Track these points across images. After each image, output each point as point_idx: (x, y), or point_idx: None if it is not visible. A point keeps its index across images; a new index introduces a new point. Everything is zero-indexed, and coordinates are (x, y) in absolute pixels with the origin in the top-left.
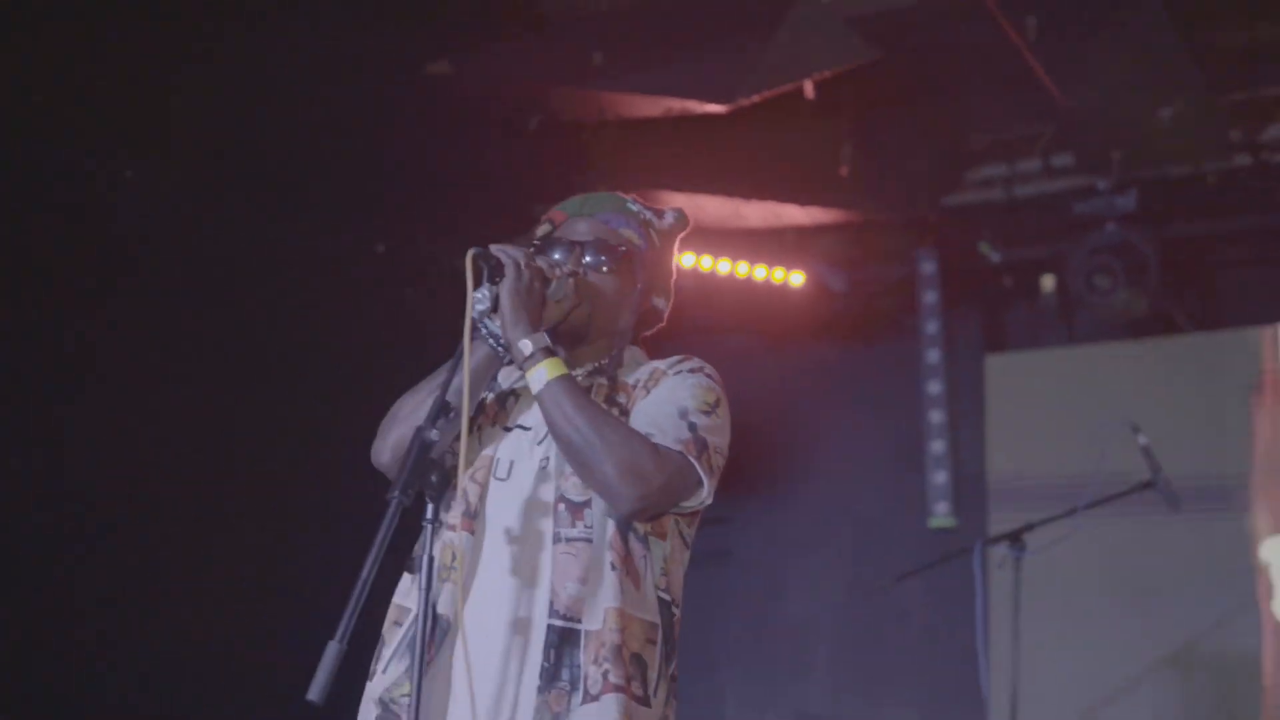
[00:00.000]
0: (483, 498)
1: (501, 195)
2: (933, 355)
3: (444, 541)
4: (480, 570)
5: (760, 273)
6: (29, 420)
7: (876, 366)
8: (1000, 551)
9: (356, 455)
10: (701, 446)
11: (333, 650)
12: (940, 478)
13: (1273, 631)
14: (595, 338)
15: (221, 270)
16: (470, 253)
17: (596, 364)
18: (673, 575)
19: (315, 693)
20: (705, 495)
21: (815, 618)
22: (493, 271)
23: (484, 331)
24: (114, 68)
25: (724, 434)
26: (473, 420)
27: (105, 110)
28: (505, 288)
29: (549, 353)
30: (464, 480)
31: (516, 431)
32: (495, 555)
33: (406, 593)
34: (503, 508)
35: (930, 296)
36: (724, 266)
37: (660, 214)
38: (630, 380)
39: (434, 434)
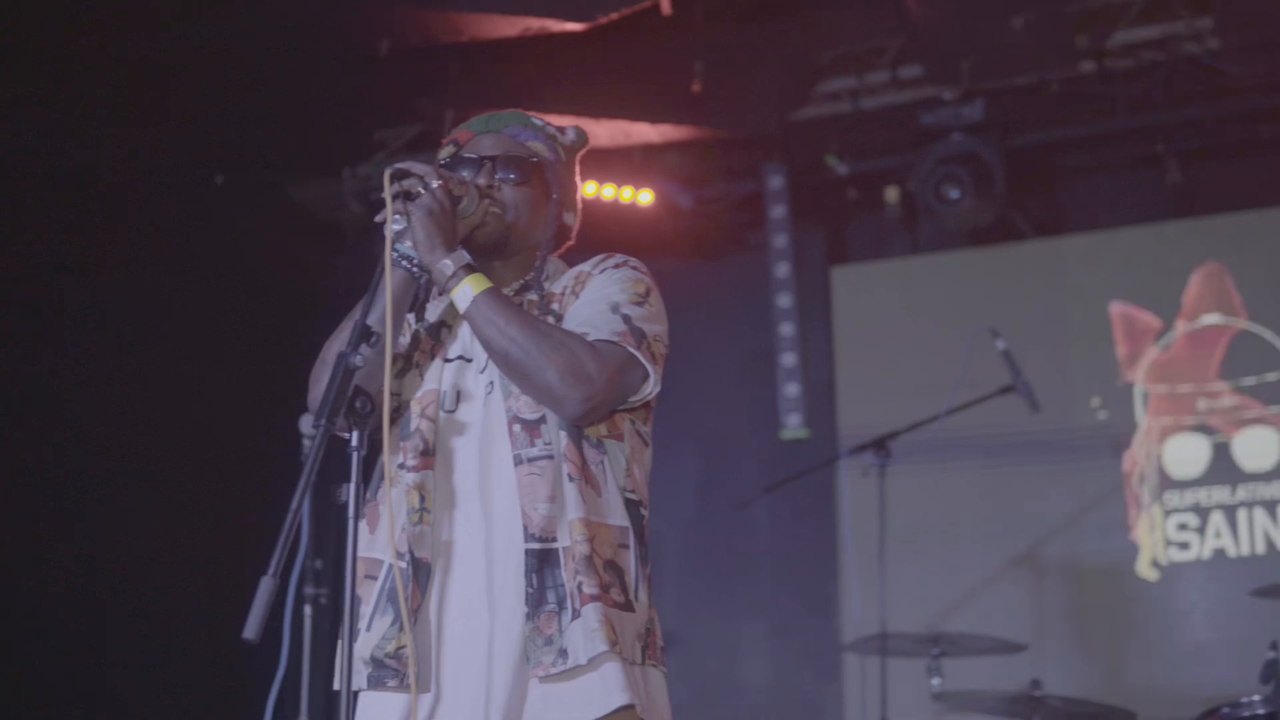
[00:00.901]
0: (436, 433)
1: (348, 122)
2: (782, 269)
3: (407, 483)
4: (449, 505)
5: (609, 192)
6: None
7: (725, 282)
8: (865, 460)
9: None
10: (640, 336)
11: (266, 585)
12: (792, 390)
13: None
14: (514, 251)
15: (63, 199)
16: (387, 171)
17: (522, 280)
18: (636, 475)
19: (251, 630)
20: (653, 385)
21: (664, 534)
22: (405, 193)
23: (396, 254)
24: None
25: (661, 321)
26: (409, 354)
27: None
28: (417, 209)
29: (470, 269)
30: (415, 418)
31: (458, 362)
32: (461, 488)
33: (370, 544)
34: (458, 439)
35: (778, 211)
36: None
37: (562, 130)
38: (557, 289)
39: (358, 359)
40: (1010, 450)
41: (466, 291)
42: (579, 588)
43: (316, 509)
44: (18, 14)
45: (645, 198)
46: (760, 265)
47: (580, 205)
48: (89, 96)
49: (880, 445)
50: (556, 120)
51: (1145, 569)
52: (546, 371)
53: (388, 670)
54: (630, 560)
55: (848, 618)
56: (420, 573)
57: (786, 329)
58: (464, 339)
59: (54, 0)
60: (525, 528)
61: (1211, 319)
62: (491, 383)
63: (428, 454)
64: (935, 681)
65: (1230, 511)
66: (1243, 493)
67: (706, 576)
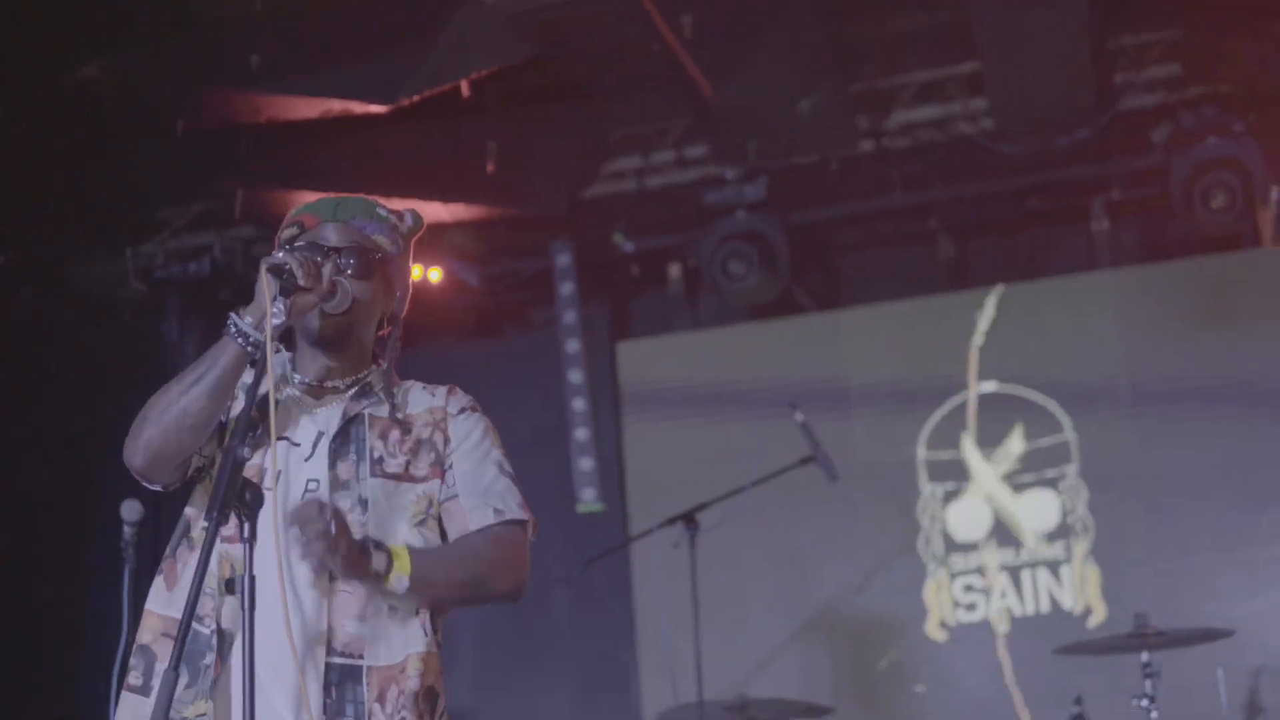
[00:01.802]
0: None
1: (136, 199)
2: (572, 345)
3: (220, 552)
4: (258, 586)
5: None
6: None
7: (514, 358)
8: (676, 532)
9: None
10: (520, 492)
11: (170, 679)
12: (586, 464)
13: None
14: (349, 345)
15: None
16: (265, 264)
17: (357, 378)
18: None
19: (157, 714)
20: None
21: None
22: (284, 285)
23: (234, 330)
24: None
25: None
26: (248, 430)
27: None
28: (321, 548)
29: (389, 556)
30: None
31: (283, 444)
32: (271, 575)
33: (168, 602)
34: (270, 521)
35: (566, 288)
36: None
37: (401, 216)
38: (414, 412)
39: (246, 452)
40: (797, 516)
41: (401, 579)
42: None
43: (135, 594)
44: None
45: (434, 275)
46: (546, 342)
47: (410, 290)
48: None
49: (689, 518)
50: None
51: (934, 630)
52: (491, 593)
53: None
54: (442, 685)
55: (648, 690)
56: (224, 643)
57: (578, 404)
58: (294, 421)
59: None
60: (330, 641)
61: (988, 386)
62: (316, 481)
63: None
64: None
65: (1014, 572)
66: (1025, 554)
67: (506, 651)
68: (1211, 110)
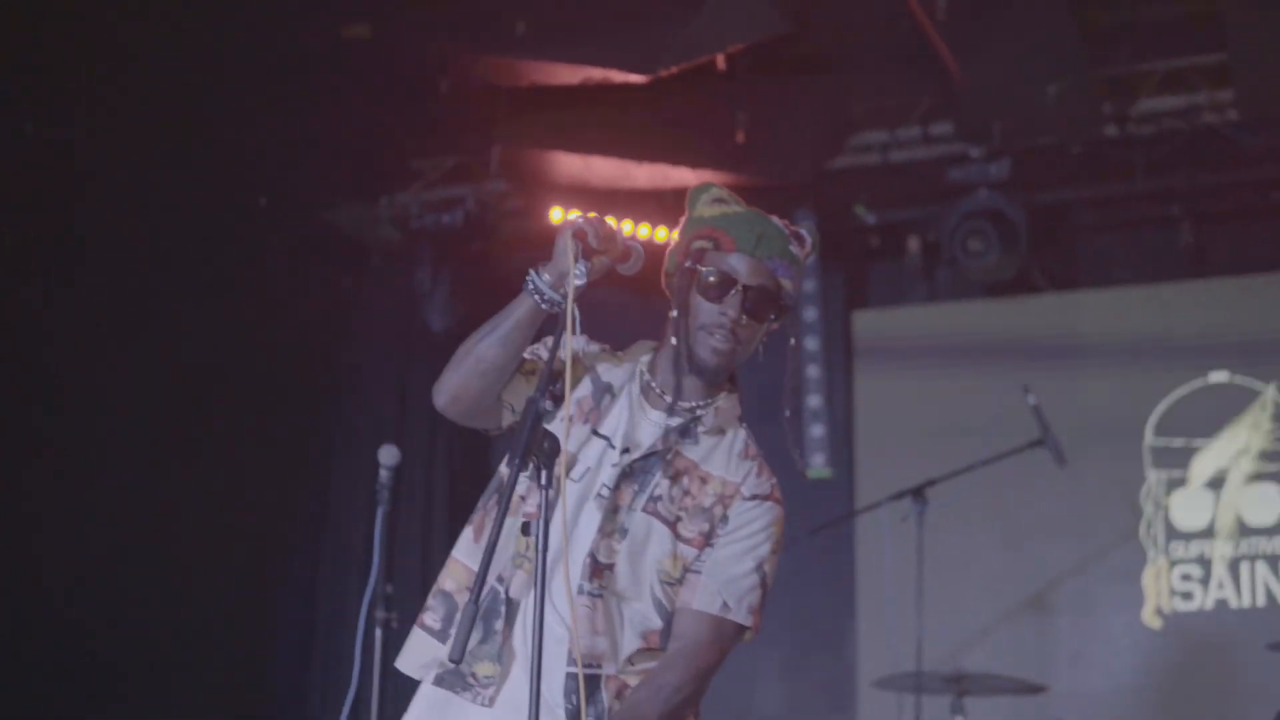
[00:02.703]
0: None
1: (391, 150)
2: (810, 312)
3: (521, 526)
4: (535, 570)
5: (644, 231)
6: None
7: None
8: (904, 505)
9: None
10: (762, 601)
11: (470, 612)
12: (818, 430)
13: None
14: (717, 377)
15: (112, 216)
16: (566, 229)
17: (691, 408)
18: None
19: (456, 653)
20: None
21: None
22: (585, 248)
23: (531, 287)
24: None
25: None
26: (578, 409)
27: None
28: None
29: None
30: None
31: (603, 444)
32: (549, 560)
33: (473, 553)
34: (569, 511)
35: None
36: None
37: (805, 241)
38: (711, 473)
39: (547, 404)
40: (1021, 495)
41: None
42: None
43: (388, 536)
44: (58, 41)
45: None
46: None
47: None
48: (128, 115)
49: (919, 493)
50: (595, 162)
51: (1150, 617)
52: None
53: (464, 683)
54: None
55: (864, 655)
56: (509, 608)
57: (813, 371)
58: (615, 417)
59: (97, 27)
60: (569, 651)
61: (1219, 376)
62: (608, 487)
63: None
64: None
65: (1234, 564)
66: (1245, 546)
67: None
68: None
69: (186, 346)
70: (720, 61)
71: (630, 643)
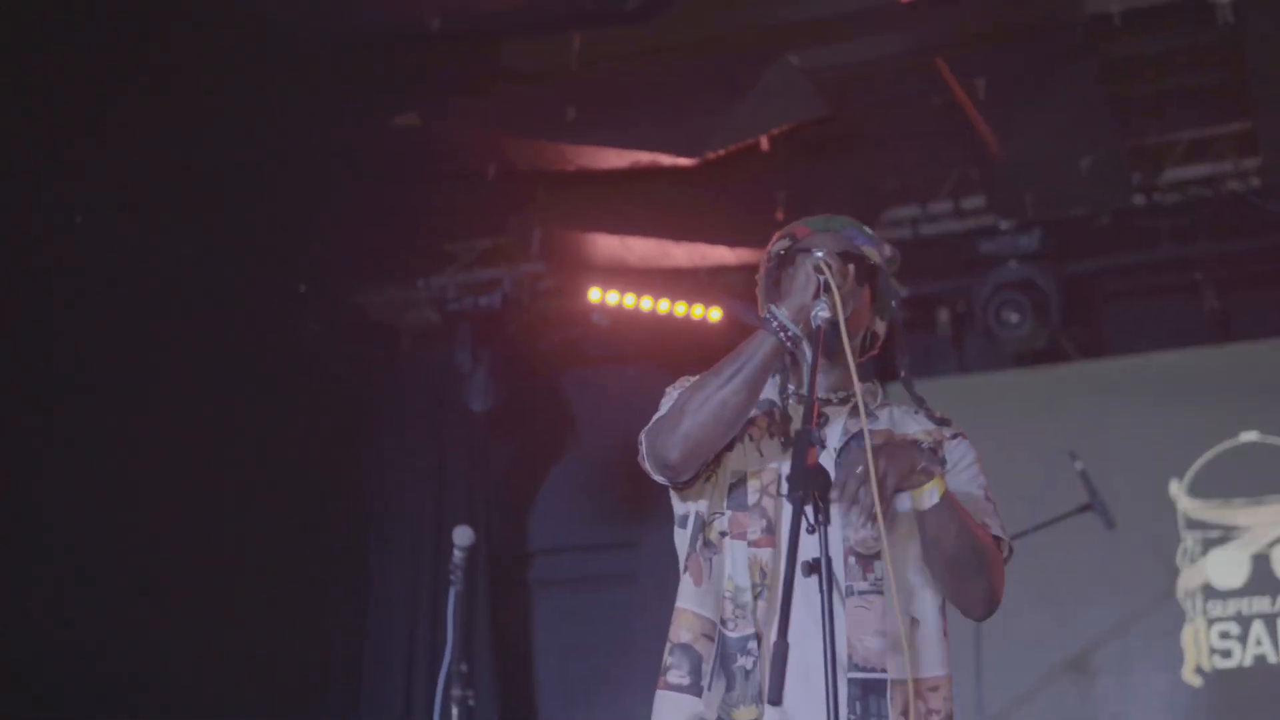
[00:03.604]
0: (778, 514)
1: (427, 233)
2: None
3: (749, 556)
4: (779, 597)
5: (680, 309)
6: None
7: None
8: None
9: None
10: (997, 510)
11: (781, 648)
12: None
13: None
14: (841, 356)
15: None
16: (808, 262)
17: (849, 393)
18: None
19: (774, 695)
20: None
21: None
22: (827, 282)
23: (775, 322)
24: (74, 98)
25: None
26: (745, 428)
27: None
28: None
29: (937, 477)
30: (756, 492)
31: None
32: (801, 593)
33: (699, 599)
34: (790, 530)
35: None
36: (645, 303)
37: (881, 243)
38: (909, 433)
39: (817, 435)
40: (1058, 557)
41: (933, 493)
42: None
43: (463, 615)
44: (107, 127)
45: (715, 315)
46: None
47: (898, 318)
48: (172, 198)
49: None
50: (633, 242)
51: (1190, 675)
52: (978, 583)
53: None
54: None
55: None
56: (762, 645)
57: None
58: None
59: (144, 112)
60: (850, 656)
61: (1250, 436)
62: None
63: (770, 531)
64: None
65: (1271, 621)
66: None
67: None
68: None
69: (223, 430)
70: (764, 142)
71: (912, 635)
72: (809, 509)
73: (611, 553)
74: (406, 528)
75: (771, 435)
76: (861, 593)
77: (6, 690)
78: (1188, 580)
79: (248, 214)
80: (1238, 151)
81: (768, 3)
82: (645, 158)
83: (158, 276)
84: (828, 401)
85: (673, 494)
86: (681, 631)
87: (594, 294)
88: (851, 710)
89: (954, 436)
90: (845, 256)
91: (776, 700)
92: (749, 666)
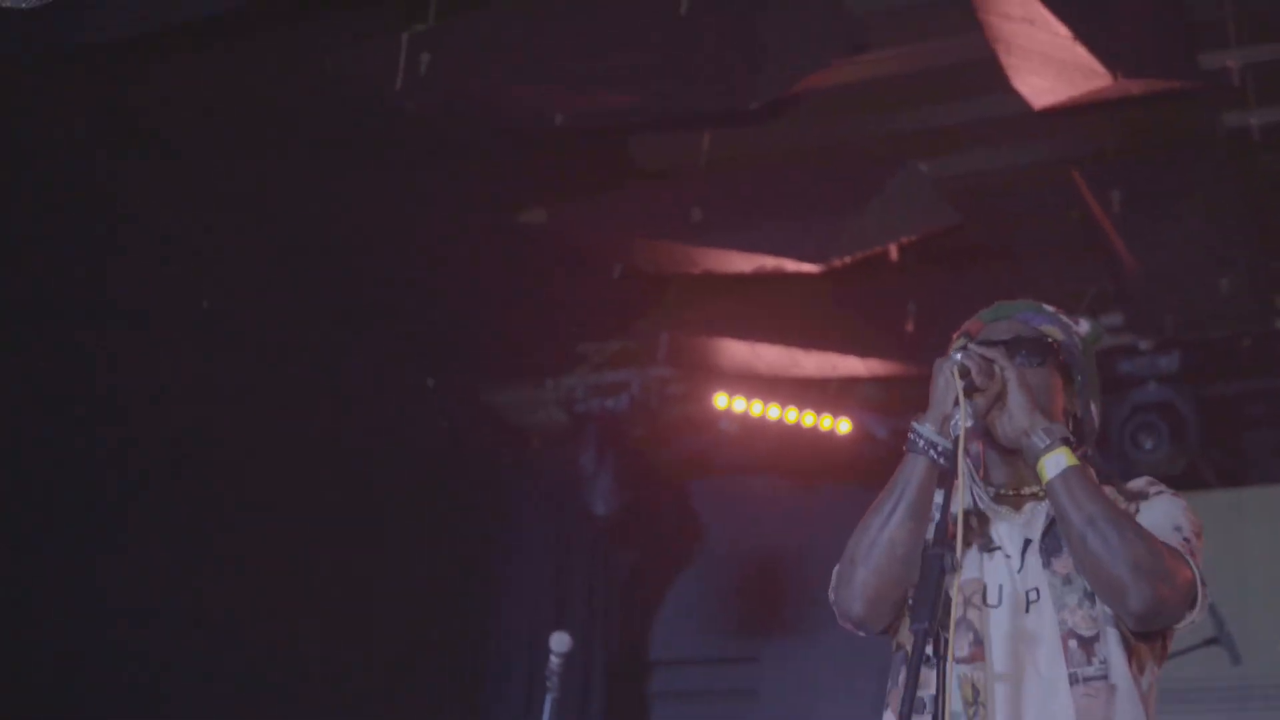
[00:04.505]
0: (985, 625)
1: (558, 333)
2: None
3: (959, 675)
4: (998, 709)
5: (809, 419)
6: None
7: None
8: None
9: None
10: (1194, 558)
11: None
12: None
13: None
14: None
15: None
16: (946, 366)
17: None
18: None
19: None
20: (1199, 611)
21: None
22: (966, 386)
23: (924, 442)
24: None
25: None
26: (945, 540)
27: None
28: (1012, 378)
29: (1067, 441)
30: (960, 605)
31: (998, 555)
32: (1008, 692)
33: None
34: (1004, 637)
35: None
36: (773, 412)
37: (1076, 320)
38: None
39: (949, 560)
40: (1188, 696)
41: (1059, 460)
42: None
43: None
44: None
45: (844, 426)
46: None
47: (1100, 398)
48: (300, 288)
49: None
50: (762, 350)
51: None
52: (1118, 561)
53: None
54: None
55: None
56: None
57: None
58: (1001, 533)
59: (276, 196)
60: None
61: None
62: (1035, 590)
63: (977, 644)
64: None
65: None
66: None
67: None
68: None
69: (347, 528)
70: (893, 252)
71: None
72: (931, 641)
73: (732, 667)
74: (525, 629)
75: (968, 543)
76: (1087, 679)
77: None
78: None
79: (377, 305)
80: None
81: (895, 109)
82: (771, 262)
83: (285, 365)
84: (1030, 495)
85: None
86: None
87: (720, 399)
88: None
89: (1159, 494)
90: (1017, 343)
91: None
92: None
